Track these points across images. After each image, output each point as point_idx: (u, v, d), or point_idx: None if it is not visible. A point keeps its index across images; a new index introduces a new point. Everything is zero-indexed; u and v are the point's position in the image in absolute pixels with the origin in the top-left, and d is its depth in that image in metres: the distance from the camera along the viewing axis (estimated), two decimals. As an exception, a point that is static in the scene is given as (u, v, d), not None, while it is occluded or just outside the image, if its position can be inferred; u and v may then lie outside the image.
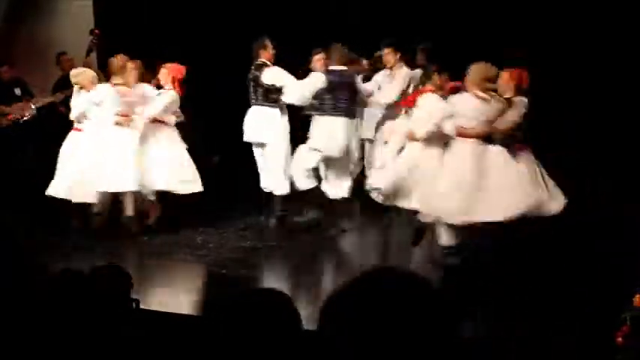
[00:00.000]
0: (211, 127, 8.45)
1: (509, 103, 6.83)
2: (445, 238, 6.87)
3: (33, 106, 9.05)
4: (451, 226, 6.79)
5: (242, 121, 8.23)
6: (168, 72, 8.09)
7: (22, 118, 9.02)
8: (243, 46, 8.28)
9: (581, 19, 9.67)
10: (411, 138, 7.10)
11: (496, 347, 5.18)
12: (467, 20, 10.08)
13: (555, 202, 6.87)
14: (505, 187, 6.58)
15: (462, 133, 6.71)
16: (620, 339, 4.11)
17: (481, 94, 6.67)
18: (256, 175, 8.30)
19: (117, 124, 7.92)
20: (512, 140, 6.87)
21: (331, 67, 7.93)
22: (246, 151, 8.31)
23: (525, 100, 6.84)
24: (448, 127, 6.76)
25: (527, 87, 6.97)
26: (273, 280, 7.22)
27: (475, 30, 9.87)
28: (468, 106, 6.70)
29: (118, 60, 8.03)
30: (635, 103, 9.31)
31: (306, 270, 7.33)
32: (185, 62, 8.29)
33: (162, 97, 8.07)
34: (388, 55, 8.18)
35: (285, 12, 10.71)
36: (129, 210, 8.04)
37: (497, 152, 6.72)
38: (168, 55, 8.43)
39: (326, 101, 7.92)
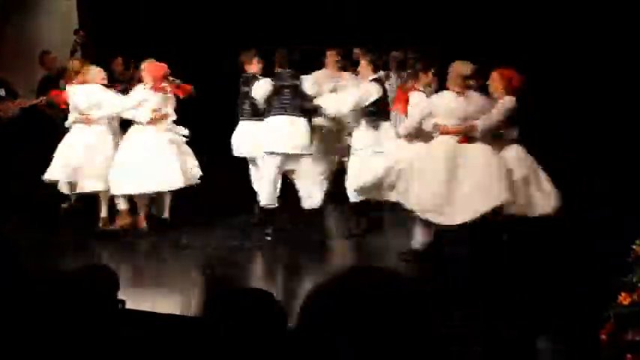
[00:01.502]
0: (198, 127, 8.43)
1: (493, 101, 6.84)
2: (418, 237, 6.95)
3: (17, 108, 9.00)
4: (426, 224, 6.85)
5: (230, 120, 8.21)
6: (148, 71, 8.10)
7: (5, 118, 8.97)
8: (231, 45, 8.28)
9: (578, 18, 9.72)
10: (400, 135, 7.22)
11: (488, 346, 5.21)
12: (464, 19, 10.11)
13: (541, 206, 6.84)
14: (474, 188, 6.58)
15: (441, 131, 6.74)
16: (604, 336, 4.13)
17: (460, 91, 6.70)
18: (244, 176, 8.29)
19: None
20: (498, 139, 6.87)
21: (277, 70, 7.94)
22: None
23: (512, 99, 6.78)
24: (428, 125, 6.81)
25: (520, 87, 6.85)
26: (260, 279, 7.22)
27: (472, 29, 9.91)
28: (445, 104, 6.73)
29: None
30: (632, 102, 9.37)
31: (292, 269, 7.33)
32: (172, 61, 8.28)
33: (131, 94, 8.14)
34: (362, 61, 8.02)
35: (278, 12, 10.72)
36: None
37: (474, 151, 6.71)
38: (155, 54, 8.41)
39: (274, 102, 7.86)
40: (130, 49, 9.78)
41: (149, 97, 7.98)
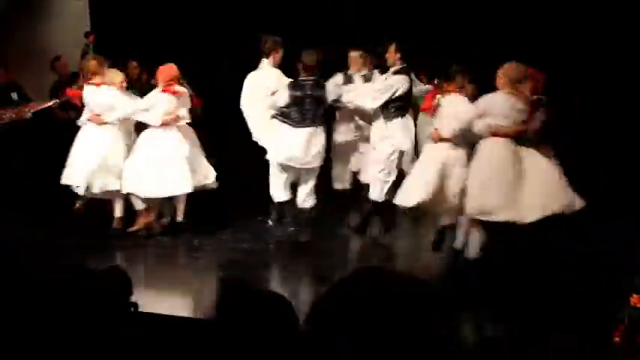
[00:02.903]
0: (207, 128, 8.44)
1: (533, 103, 6.88)
2: (475, 242, 6.90)
3: (29, 111, 9.03)
4: (482, 226, 6.81)
5: (238, 122, 8.20)
6: (159, 73, 8.14)
7: (17, 121, 9.00)
8: (240, 46, 8.27)
9: (580, 19, 9.69)
10: (437, 138, 7.05)
11: (495, 346, 5.20)
12: (465, 20, 10.08)
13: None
14: (538, 189, 6.57)
15: (496, 133, 6.68)
16: (617, 338, 4.13)
17: (516, 93, 6.69)
18: (256, 177, 8.29)
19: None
20: (537, 140, 6.89)
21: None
22: (244, 152, 8.29)
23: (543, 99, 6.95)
24: (480, 127, 6.76)
25: (542, 89, 7.01)
26: (271, 281, 7.22)
27: (471, 31, 9.88)
28: (504, 106, 6.67)
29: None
30: (633, 102, 9.33)
31: (303, 271, 7.33)
32: (182, 62, 8.28)
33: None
34: (390, 54, 7.90)
35: (282, 11, 10.71)
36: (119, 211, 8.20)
37: (529, 153, 6.71)
38: (165, 55, 8.42)
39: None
40: (142, 52, 9.80)
41: (161, 100, 7.99)
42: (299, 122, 7.60)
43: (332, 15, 10.73)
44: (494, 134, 6.67)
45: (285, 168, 7.80)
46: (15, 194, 8.57)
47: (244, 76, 8.11)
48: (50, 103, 9.06)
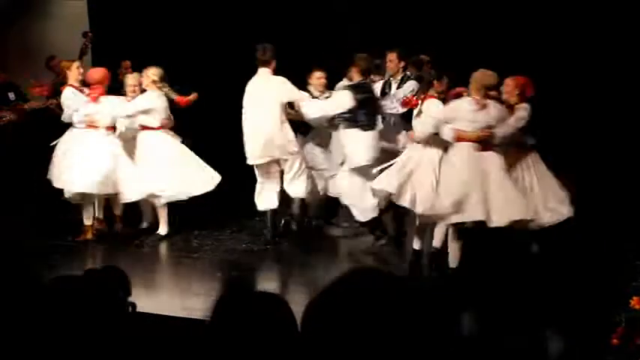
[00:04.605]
0: (203, 130, 8.45)
1: (511, 109, 6.85)
2: (437, 240, 6.91)
3: (26, 111, 9.02)
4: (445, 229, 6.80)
5: (233, 123, 8.19)
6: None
7: (15, 121, 8.99)
8: (236, 50, 8.26)
9: (579, 19, 9.69)
10: (413, 140, 7.21)
11: (492, 347, 5.20)
12: (466, 25, 10.08)
13: (549, 214, 6.87)
14: (502, 194, 6.56)
15: (460, 137, 6.71)
16: (615, 340, 4.12)
17: (481, 100, 6.67)
18: (251, 178, 8.28)
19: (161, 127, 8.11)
20: (513, 145, 6.90)
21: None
22: (239, 153, 8.29)
23: (527, 106, 6.85)
24: (446, 132, 6.78)
25: (533, 94, 6.95)
26: (269, 282, 7.22)
27: (474, 34, 9.88)
28: (467, 111, 6.70)
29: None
30: (632, 102, 9.33)
31: (301, 272, 7.33)
32: (177, 64, 8.29)
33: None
34: (391, 62, 7.95)
35: (284, 19, 10.71)
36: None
37: (492, 158, 6.70)
38: (163, 55, 8.43)
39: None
40: (140, 52, 9.80)
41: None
42: None
43: (336, 23, 10.72)
44: (459, 139, 6.70)
45: None
46: (15, 194, 8.57)
47: (242, 77, 8.09)
48: (47, 103, 9.05)
